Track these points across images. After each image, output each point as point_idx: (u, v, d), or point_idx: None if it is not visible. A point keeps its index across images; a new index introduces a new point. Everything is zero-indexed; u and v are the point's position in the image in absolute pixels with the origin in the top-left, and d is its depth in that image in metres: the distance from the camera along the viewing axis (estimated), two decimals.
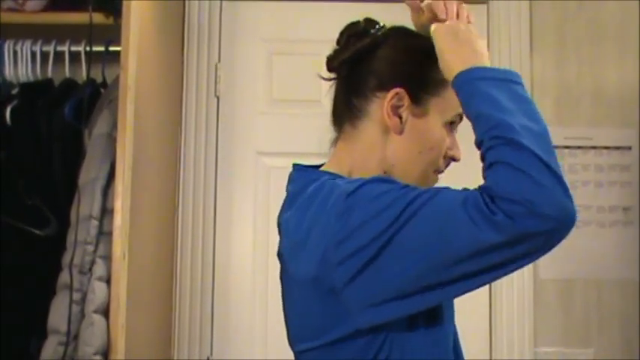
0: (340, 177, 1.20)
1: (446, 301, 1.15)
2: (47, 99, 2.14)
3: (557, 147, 1.07)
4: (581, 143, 2.63)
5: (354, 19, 1.27)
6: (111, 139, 1.98)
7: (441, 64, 1.15)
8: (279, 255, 1.25)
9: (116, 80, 2.04)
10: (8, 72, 2.19)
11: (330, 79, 1.28)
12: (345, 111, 1.25)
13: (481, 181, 1.03)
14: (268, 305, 2.58)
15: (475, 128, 1.07)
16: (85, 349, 1.87)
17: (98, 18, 2.08)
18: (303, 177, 1.23)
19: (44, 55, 2.19)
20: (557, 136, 1.06)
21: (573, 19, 2.67)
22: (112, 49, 2.12)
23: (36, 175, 2.07)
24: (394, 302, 1.05)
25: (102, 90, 2.17)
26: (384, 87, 1.20)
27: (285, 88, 2.68)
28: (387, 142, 1.21)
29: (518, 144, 1.00)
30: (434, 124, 1.21)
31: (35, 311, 1.95)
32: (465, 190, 1.04)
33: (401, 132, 1.20)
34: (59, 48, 2.19)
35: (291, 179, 1.27)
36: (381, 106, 1.21)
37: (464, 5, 1.20)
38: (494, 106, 1.05)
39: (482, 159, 1.04)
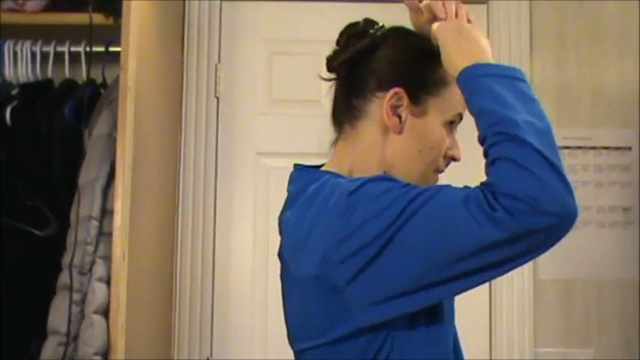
0: (341, 176, 1.20)
1: (447, 300, 1.16)
2: (47, 99, 2.14)
3: None
4: (581, 143, 2.63)
5: (354, 19, 1.28)
6: (111, 140, 1.98)
7: (445, 60, 1.15)
8: (280, 255, 1.25)
9: (116, 81, 2.04)
10: (8, 72, 2.19)
11: (329, 80, 1.28)
12: (345, 111, 1.25)
13: (481, 180, 1.03)
14: (268, 305, 2.58)
15: (478, 124, 1.07)
16: (84, 350, 1.87)
17: (98, 18, 2.08)
18: (304, 177, 1.23)
19: (44, 56, 2.19)
20: (557, 137, 1.06)
21: (573, 19, 2.67)
22: (111, 49, 2.12)
23: (36, 175, 2.07)
24: (396, 300, 1.06)
25: (102, 90, 2.17)
26: (384, 87, 1.20)
27: (285, 88, 2.68)
28: (387, 142, 1.21)
29: (521, 140, 1.00)
30: (433, 123, 1.21)
31: (35, 312, 1.94)
32: (466, 187, 1.04)
33: (400, 132, 1.20)
34: (59, 48, 2.19)
35: (292, 179, 1.27)
36: (380, 106, 1.21)
37: (462, 5, 1.21)
38: (498, 102, 1.05)
39: (485, 155, 1.04)
